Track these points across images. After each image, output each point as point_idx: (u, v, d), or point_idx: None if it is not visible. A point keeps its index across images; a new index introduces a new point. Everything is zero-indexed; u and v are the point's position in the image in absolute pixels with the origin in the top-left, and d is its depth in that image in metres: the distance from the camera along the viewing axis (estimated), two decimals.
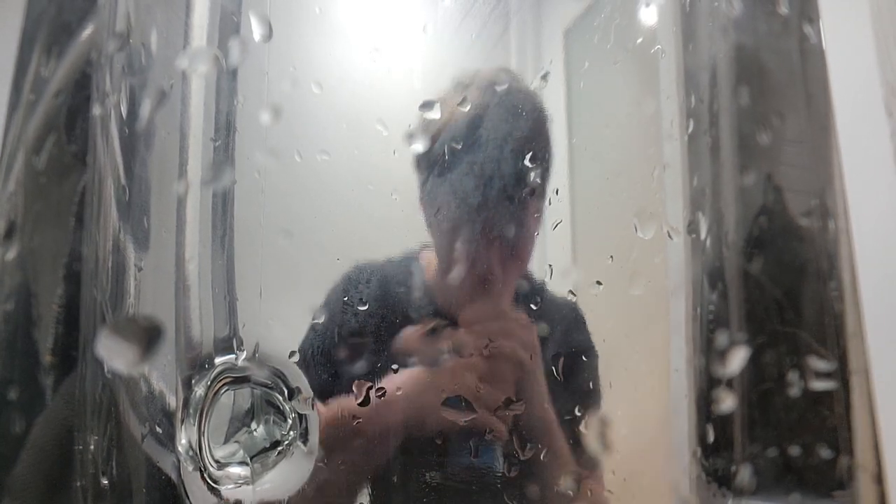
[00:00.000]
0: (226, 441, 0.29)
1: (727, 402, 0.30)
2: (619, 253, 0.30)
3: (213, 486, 0.28)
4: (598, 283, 0.30)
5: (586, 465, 0.29)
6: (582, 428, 0.29)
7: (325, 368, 0.29)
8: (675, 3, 0.33)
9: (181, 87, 0.30)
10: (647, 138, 0.32)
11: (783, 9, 0.35)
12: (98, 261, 0.32)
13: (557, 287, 0.30)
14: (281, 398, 0.29)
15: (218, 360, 0.29)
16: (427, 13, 0.31)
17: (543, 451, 0.29)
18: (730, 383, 0.30)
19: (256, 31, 0.31)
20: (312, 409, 0.28)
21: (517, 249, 0.30)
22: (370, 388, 0.28)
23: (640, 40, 0.32)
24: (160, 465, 0.29)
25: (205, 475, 0.28)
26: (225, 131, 0.30)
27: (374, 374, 0.29)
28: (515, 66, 0.32)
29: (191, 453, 0.28)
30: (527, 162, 0.30)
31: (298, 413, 0.29)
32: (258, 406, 0.29)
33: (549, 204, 0.30)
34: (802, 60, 0.35)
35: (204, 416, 0.28)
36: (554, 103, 0.31)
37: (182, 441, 0.28)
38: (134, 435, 0.30)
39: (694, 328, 0.31)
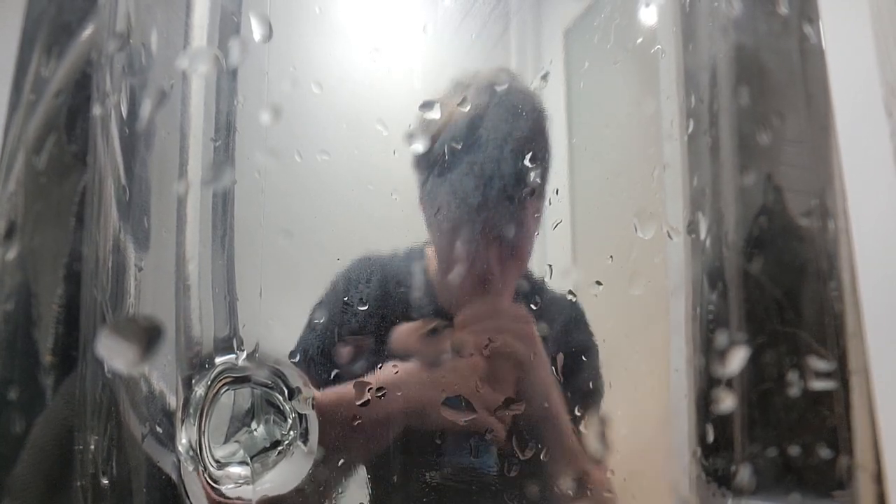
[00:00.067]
0: (226, 441, 0.29)
1: (727, 401, 0.30)
2: (619, 253, 0.30)
3: (215, 487, 0.28)
4: (598, 283, 0.30)
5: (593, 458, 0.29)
6: (582, 427, 0.29)
7: (323, 366, 0.29)
8: (675, 3, 0.33)
9: (181, 87, 0.30)
10: (647, 138, 0.32)
11: (783, 9, 0.35)
12: (98, 261, 0.32)
13: (557, 287, 0.30)
14: (281, 398, 0.29)
15: (218, 360, 0.29)
16: (427, 13, 0.31)
17: (544, 451, 0.29)
18: (730, 383, 0.30)
19: (256, 32, 0.31)
20: (312, 408, 0.29)
21: (517, 249, 0.30)
22: (369, 387, 0.28)
23: (640, 40, 0.32)
24: (160, 464, 0.29)
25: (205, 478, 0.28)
26: (225, 131, 0.30)
27: (373, 373, 0.29)
28: (515, 66, 0.32)
29: (191, 453, 0.28)
30: (527, 162, 0.30)
31: (298, 413, 0.29)
32: (258, 406, 0.29)
33: (549, 204, 0.30)
34: (802, 60, 0.35)
35: (204, 415, 0.28)
36: (554, 103, 0.31)
37: (182, 441, 0.28)
38: (134, 435, 0.30)
39: (694, 328, 0.31)
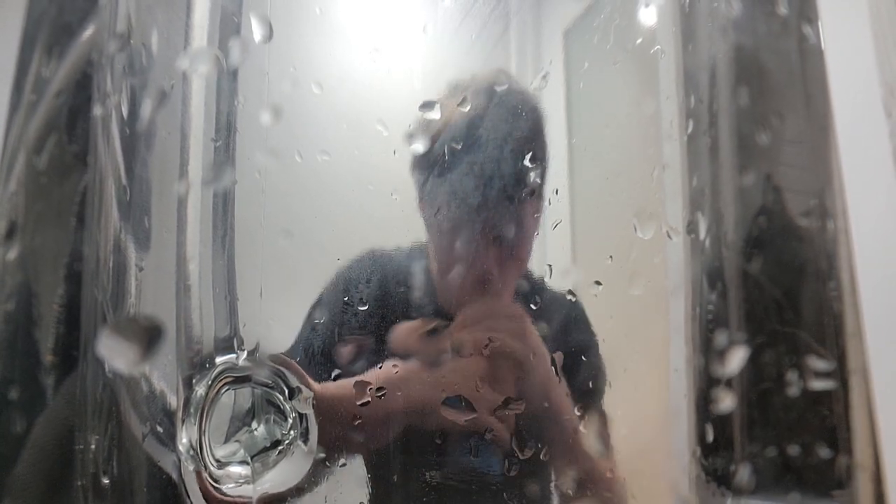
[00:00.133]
0: (226, 440, 0.29)
1: (726, 401, 0.30)
2: (619, 253, 0.30)
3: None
4: (598, 283, 0.30)
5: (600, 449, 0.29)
6: (582, 427, 0.29)
7: (323, 365, 0.29)
8: (674, 4, 0.33)
9: (182, 87, 0.30)
10: (647, 138, 0.32)
11: (782, 9, 0.35)
12: (99, 261, 0.32)
13: (557, 287, 0.30)
14: (281, 398, 0.29)
15: (219, 360, 0.29)
16: (427, 13, 0.31)
17: (544, 450, 0.29)
18: (729, 383, 0.30)
19: (257, 32, 0.31)
20: (312, 408, 0.29)
21: (517, 249, 0.30)
22: (369, 387, 0.28)
23: (639, 41, 0.32)
24: (161, 464, 0.29)
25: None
26: (225, 131, 0.30)
27: (373, 372, 0.29)
28: (515, 66, 0.32)
29: (191, 453, 0.28)
30: (526, 162, 0.30)
31: (299, 412, 0.29)
32: (259, 405, 0.29)
33: (549, 204, 0.30)
34: (801, 61, 0.35)
35: (205, 415, 0.28)
36: (554, 103, 0.31)
37: (183, 440, 0.28)
38: (135, 434, 0.30)
39: (693, 328, 0.31)
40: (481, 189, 0.30)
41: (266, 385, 0.29)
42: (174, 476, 0.29)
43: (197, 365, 0.29)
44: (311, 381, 0.29)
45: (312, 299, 0.29)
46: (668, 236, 0.31)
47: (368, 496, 0.29)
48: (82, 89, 0.36)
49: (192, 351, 0.29)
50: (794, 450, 0.31)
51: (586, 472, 0.29)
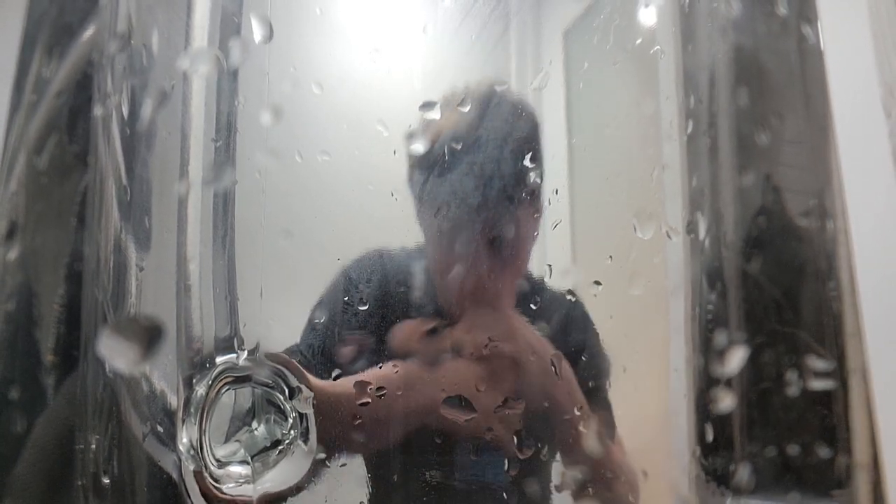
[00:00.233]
0: (227, 440, 0.29)
1: (726, 401, 0.30)
2: (619, 253, 0.30)
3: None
4: (598, 283, 0.30)
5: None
6: (582, 427, 0.29)
7: (323, 365, 0.29)
8: (674, 4, 0.33)
9: (182, 87, 0.31)
10: (647, 139, 0.32)
11: (782, 10, 0.35)
12: (99, 261, 0.32)
13: (557, 287, 0.30)
14: (282, 397, 0.29)
15: (219, 360, 0.29)
16: (427, 13, 0.32)
17: (545, 450, 0.29)
18: (729, 383, 0.30)
19: (257, 32, 0.31)
20: (312, 407, 0.29)
21: (516, 249, 0.30)
22: (370, 387, 0.28)
23: (639, 41, 0.32)
24: (161, 464, 0.29)
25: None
26: (226, 132, 0.30)
27: (371, 372, 0.29)
28: (515, 66, 0.32)
29: (192, 452, 0.28)
30: (526, 162, 0.30)
31: (299, 412, 0.29)
32: (259, 405, 0.29)
33: (549, 204, 0.30)
34: (801, 61, 0.35)
35: (205, 415, 0.28)
36: (554, 104, 0.31)
37: (183, 440, 0.28)
38: (135, 434, 0.30)
39: (693, 328, 0.31)
40: (481, 189, 0.30)
41: (266, 385, 0.29)
42: (174, 476, 0.29)
43: (197, 365, 0.29)
44: (311, 380, 0.29)
45: (313, 299, 0.29)
46: (668, 236, 0.31)
47: (368, 496, 0.29)
48: (83, 89, 0.37)
49: (193, 351, 0.29)
50: (793, 449, 0.31)
51: (587, 471, 0.29)
